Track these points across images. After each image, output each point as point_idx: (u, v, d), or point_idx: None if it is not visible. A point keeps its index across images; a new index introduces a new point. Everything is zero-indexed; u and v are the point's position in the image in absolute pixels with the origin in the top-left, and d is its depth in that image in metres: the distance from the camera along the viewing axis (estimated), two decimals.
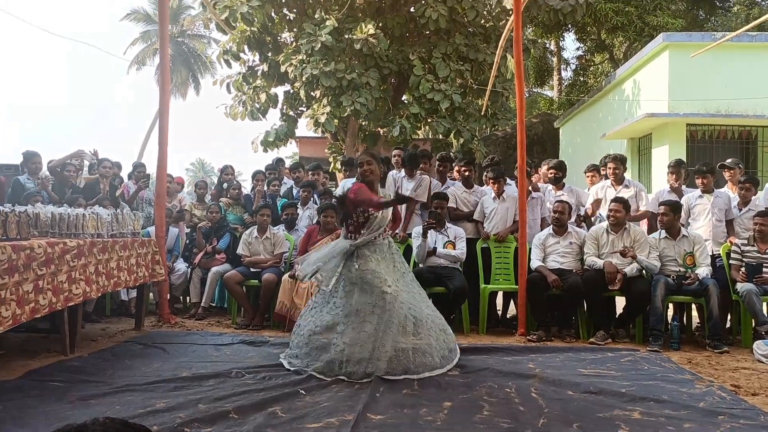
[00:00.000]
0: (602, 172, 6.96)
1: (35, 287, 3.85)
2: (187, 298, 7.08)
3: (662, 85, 11.41)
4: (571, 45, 44.28)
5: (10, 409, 3.20)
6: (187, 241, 7.20)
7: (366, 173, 4.37)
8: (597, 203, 6.37)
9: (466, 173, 6.57)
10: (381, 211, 4.30)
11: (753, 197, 6.00)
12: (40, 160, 6.64)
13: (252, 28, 12.29)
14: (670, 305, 5.82)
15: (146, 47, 30.49)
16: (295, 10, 13.05)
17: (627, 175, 6.63)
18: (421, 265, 5.89)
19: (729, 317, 5.87)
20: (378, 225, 4.33)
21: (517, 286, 5.91)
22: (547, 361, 4.60)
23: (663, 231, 5.63)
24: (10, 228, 3.95)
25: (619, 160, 6.40)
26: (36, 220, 4.45)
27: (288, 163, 11.08)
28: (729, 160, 6.41)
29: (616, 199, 5.74)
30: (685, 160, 10.34)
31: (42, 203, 5.33)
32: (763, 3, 19.11)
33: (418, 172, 6.49)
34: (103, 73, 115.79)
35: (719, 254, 5.78)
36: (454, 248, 5.92)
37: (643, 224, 6.34)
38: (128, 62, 30.24)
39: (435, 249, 5.87)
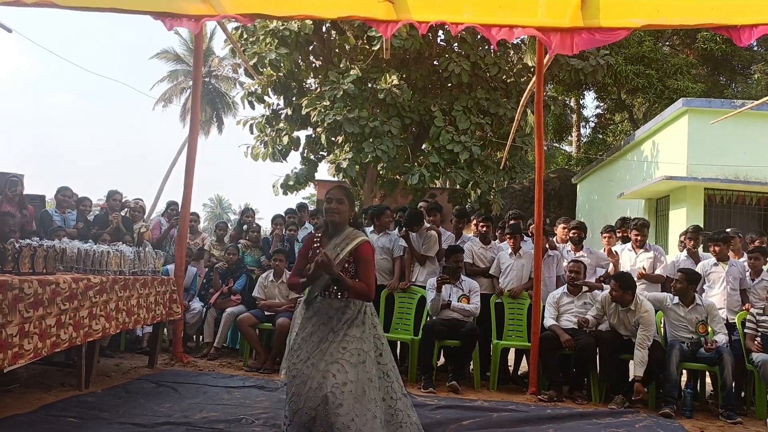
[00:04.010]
0: (618, 234, 6.98)
1: (58, 322, 3.94)
2: (201, 337, 7.14)
3: (681, 148, 11.50)
4: (591, 103, 44.55)
5: None
6: (204, 281, 7.29)
7: (331, 212, 3.44)
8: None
9: (484, 229, 6.64)
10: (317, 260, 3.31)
11: (763, 266, 6.00)
12: (71, 194, 6.84)
13: (279, 74, 12.65)
14: (684, 372, 5.76)
15: (173, 86, 31.38)
16: (321, 58, 13.44)
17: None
18: (434, 318, 5.91)
19: (743, 387, 5.79)
20: (317, 283, 3.41)
21: (529, 344, 5.91)
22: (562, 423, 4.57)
23: (676, 297, 5.61)
24: (37, 262, 4.07)
25: (645, 227, 6.42)
26: (62, 254, 4.57)
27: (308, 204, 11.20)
28: (729, 230, 6.46)
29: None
30: (702, 223, 10.42)
31: (68, 238, 5.46)
32: None
33: (426, 224, 6.51)
34: (128, 110, 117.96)
35: (734, 323, 5.75)
36: (468, 302, 5.95)
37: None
38: (154, 99, 31.15)
39: (449, 302, 5.90)
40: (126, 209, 7.49)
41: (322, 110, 11.77)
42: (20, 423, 3.64)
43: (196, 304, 7.00)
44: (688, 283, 5.54)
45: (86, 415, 3.92)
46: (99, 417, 3.90)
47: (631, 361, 5.48)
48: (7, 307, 3.43)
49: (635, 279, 5.80)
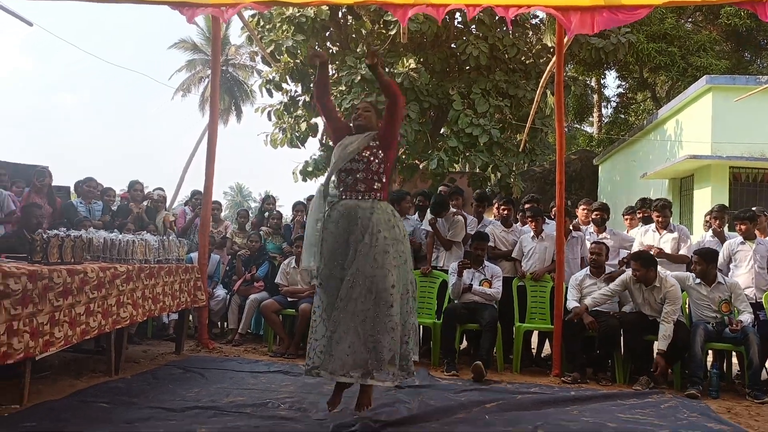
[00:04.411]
0: (639, 215, 6.90)
1: (87, 310, 4.02)
2: (225, 323, 7.24)
3: (705, 126, 11.32)
4: (612, 83, 43.69)
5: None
6: (227, 268, 7.38)
7: (358, 119, 3.88)
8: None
9: (505, 212, 6.62)
10: (340, 142, 3.79)
11: None
12: (95, 185, 6.93)
13: (296, 60, 12.65)
14: (710, 352, 5.71)
15: (191, 75, 31.53)
16: (338, 44, 13.40)
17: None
18: (456, 301, 5.92)
19: None
20: (340, 158, 3.72)
21: (552, 326, 5.90)
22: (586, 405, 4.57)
23: (697, 278, 5.55)
24: (65, 252, 4.15)
25: (667, 207, 6.33)
26: (89, 244, 4.65)
27: None
28: (755, 208, 6.37)
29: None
30: (728, 202, 10.28)
31: (93, 228, 5.55)
32: None
33: (452, 209, 6.52)
34: (145, 100, 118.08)
35: (762, 301, 5.67)
36: (490, 286, 5.94)
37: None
38: (173, 89, 31.35)
39: (471, 286, 5.90)
40: (148, 200, 7.58)
41: (339, 95, 11.77)
42: (54, 409, 3.73)
43: (220, 291, 7.08)
44: (706, 264, 5.46)
45: (117, 400, 4.01)
46: (129, 402, 3.98)
47: (656, 342, 5.45)
48: (37, 296, 3.50)
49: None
